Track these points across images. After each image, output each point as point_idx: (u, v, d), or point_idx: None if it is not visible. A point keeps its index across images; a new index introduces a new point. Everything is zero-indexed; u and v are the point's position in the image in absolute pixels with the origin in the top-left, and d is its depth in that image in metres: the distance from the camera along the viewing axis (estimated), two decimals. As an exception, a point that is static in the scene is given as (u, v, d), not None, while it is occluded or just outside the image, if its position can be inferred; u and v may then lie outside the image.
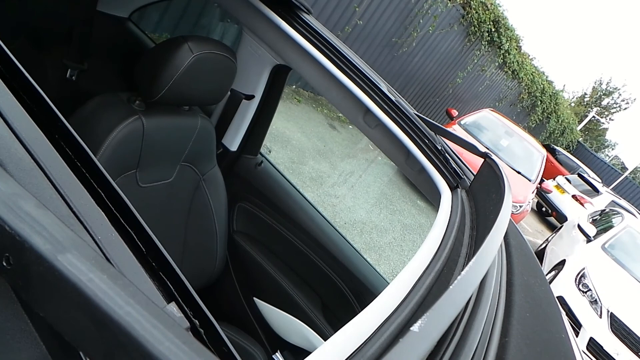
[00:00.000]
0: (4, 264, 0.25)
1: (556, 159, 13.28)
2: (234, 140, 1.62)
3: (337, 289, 1.55)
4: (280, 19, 1.21)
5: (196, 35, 1.14)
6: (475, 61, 8.92)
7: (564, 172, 12.28)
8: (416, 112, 1.26)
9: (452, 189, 1.12)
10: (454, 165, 1.17)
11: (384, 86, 1.21)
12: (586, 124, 25.07)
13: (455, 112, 7.25)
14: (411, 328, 0.28)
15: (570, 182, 9.94)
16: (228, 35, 4.94)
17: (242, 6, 1.32)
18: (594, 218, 6.60)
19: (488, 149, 6.21)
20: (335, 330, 1.57)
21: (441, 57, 8.15)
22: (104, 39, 1.72)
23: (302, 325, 1.53)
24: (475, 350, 0.44)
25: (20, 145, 0.34)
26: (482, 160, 1.19)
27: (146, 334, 0.21)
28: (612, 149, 33.11)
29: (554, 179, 10.20)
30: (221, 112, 1.59)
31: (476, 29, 8.03)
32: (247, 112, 1.59)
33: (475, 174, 1.21)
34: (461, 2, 7.37)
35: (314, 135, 5.38)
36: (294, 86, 6.35)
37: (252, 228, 1.69)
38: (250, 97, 1.54)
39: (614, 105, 29.45)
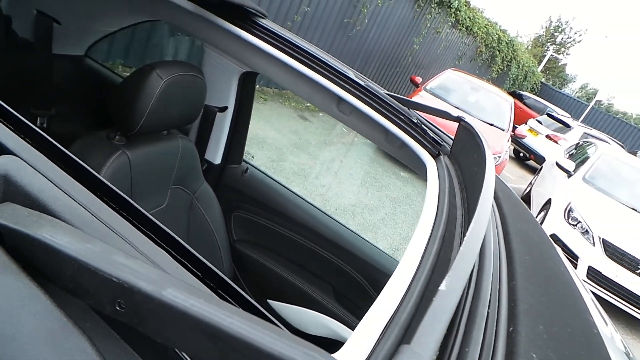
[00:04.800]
0: (118, 308, 0.29)
1: (524, 103, 13.56)
2: (216, 154, 1.65)
3: (346, 273, 1.60)
4: (239, 29, 1.23)
5: (161, 61, 1.17)
6: (429, 25, 9.00)
7: (534, 114, 12.56)
8: (387, 92, 1.31)
9: (435, 157, 1.17)
10: (432, 134, 1.22)
11: (351, 73, 1.25)
12: (546, 63, 25.58)
13: (419, 79, 7.33)
14: (439, 288, 0.32)
15: (541, 123, 10.18)
16: (182, 49, 4.90)
17: (200, 25, 1.34)
18: (570, 153, 6.80)
19: (457, 108, 6.32)
20: (353, 314, 1.60)
21: (395, 27, 8.21)
22: (65, 80, 1.71)
23: (320, 315, 1.58)
24: (490, 297, 0.49)
25: (79, 206, 0.38)
26: (457, 124, 1.24)
27: (253, 336, 0.27)
28: (574, 82, 33.87)
29: (525, 124, 10.42)
30: (198, 129, 1.61)
31: (423, -7, 8.11)
32: (223, 124, 1.61)
33: (453, 138, 1.26)
34: (403, -30, 7.41)
35: (287, 130, 5.40)
36: (257, 86, 6.33)
37: (252, 234, 1.73)
38: (223, 109, 1.57)
39: (568, 40, 30.15)
